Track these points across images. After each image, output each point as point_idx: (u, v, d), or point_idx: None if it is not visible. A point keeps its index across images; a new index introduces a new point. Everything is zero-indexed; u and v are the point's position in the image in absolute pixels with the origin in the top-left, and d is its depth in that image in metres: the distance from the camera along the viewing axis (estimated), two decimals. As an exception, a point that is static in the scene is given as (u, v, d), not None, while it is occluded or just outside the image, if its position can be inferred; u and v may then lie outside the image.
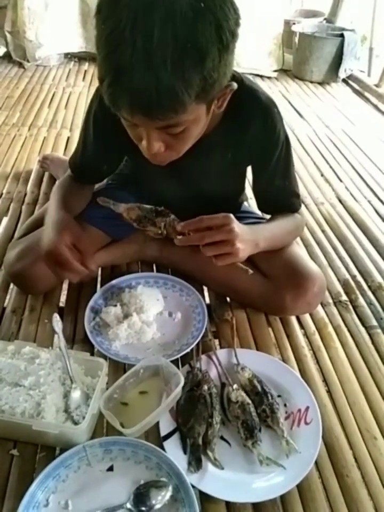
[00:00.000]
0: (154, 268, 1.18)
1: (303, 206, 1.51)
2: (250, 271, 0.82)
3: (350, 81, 2.79)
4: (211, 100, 0.68)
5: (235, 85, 0.71)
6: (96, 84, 2.52)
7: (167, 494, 0.69)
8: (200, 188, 1.00)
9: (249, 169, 1.01)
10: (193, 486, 0.71)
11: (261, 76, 2.78)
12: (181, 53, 0.56)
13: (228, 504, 0.73)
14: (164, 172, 0.88)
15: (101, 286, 1.09)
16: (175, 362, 0.90)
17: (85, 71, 2.68)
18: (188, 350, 0.93)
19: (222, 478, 0.75)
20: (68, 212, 0.91)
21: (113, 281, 1.08)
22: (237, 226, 0.78)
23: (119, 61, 0.57)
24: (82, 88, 2.41)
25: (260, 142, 0.88)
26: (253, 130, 0.85)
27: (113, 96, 0.62)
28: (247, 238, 0.81)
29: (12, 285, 1.09)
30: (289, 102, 2.44)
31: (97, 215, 1.02)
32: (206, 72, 0.59)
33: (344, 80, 2.80)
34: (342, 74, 2.73)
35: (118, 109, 0.65)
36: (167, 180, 0.98)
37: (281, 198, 0.99)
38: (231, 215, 0.78)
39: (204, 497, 0.72)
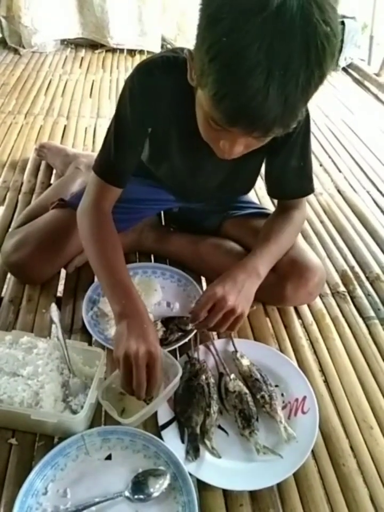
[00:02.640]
0: (152, 258, 1.18)
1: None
2: (255, 307, 0.93)
3: (350, 70, 2.76)
4: None
5: None
6: (92, 71, 2.47)
7: (165, 483, 0.70)
8: (215, 169, 0.97)
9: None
10: (190, 475, 0.72)
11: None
12: (308, 78, 0.56)
13: (225, 492, 0.74)
14: (185, 162, 0.88)
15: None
16: (173, 352, 0.90)
17: (82, 58, 2.64)
18: (186, 340, 0.93)
19: (219, 467, 0.75)
20: (126, 276, 0.86)
21: None
22: (225, 294, 0.81)
23: (252, 85, 0.55)
24: (79, 75, 2.39)
25: None
26: None
27: (236, 118, 0.60)
28: (242, 288, 0.84)
29: (9, 275, 1.09)
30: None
31: None
32: (318, 88, 0.61)
33: (344, 69, 2.77)
34: (342, 62, 2.71)
35: (231, 128, 0.63)
36: (183, 176, 0.97)
37: (294, 181, 0.95)
38: (212, 291, 0.82)
39: (202, 486, 0.73)
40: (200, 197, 1.07)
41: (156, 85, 0.81)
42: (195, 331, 0.92)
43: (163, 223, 1.24)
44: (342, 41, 2.58)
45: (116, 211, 1.06)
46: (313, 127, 2.02)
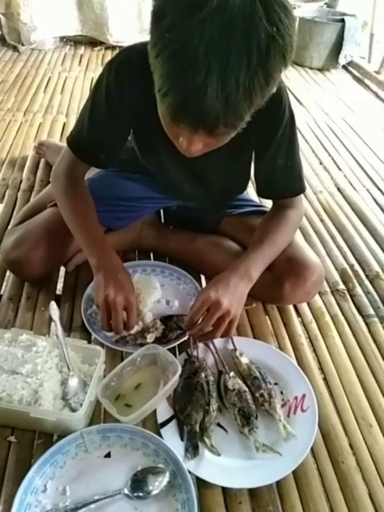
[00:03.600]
0: (152, 256, 1.18)
1: (302, 195, 1.52)
2: (254, 305, 0.96)
3: (350, 68, 2.76)
4: None
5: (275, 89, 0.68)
6: (91, 68, 2.47)
7: (164, 480, 0.70)
8: (205, 176, 0.98)
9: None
10: (190, 472, 0.72)
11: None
12: (251, 77, 0.56)
13: (224, 489, 0.74)
14: (171, 157, 0.88)
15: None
16: (172, 350, 0.90)
17: (81, 55, 2.64)
18: (185, 338, 0.93)
19: (218, 464, 0.76)
20: (100, 233, 0.94)
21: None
22: (219, 297, 0.82)
23: (191, 82, 0.56)
24: (78, 73, 2.38)
25: (264, 118, 0.83)
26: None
27: (177, 114, 0.61)
28: (235, 291, 0.85)
29: (8, 273, 1.09)
30: (289, 89, 2.40)
31: (97, 204, 1.01)
32: (268, 92, 0.61)
33: (344, 67, 2.77)
34: (342, 60, 2.70)
35: (177, 124, 0.64)
36: (173, 167, 0.96)
37: (282, 180, 0.95)
38: (206, 295, 0.83)
39: (201, 483, 0.74)
40: (194, 196, 1.07)
41: (132, 81, 0.80)
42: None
43: (162, 221, 1.24)
44: (342, 38, 2.58)
45: (115, 210, 1.07)
46: (313, 125, 2.03)
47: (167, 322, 0.95)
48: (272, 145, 0.89)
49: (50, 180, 0.98)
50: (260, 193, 1.03)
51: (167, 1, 0.58)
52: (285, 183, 0.96)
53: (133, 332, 0.91)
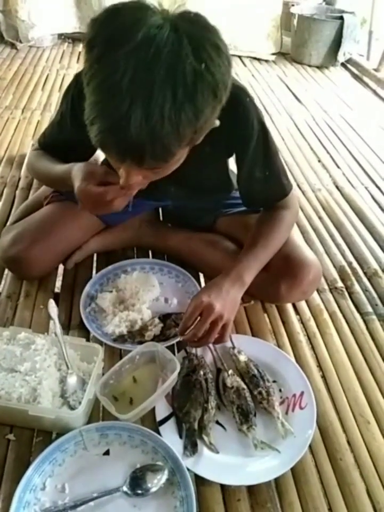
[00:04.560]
0: (150, 254, 1.18)
1: (299, 192, 1.52)
2: (252, 302, 0.98)
3: (348, 65, 2.76)
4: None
5: (217, 123, 0.70)
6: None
7: (163, 478, 0.71)
8: (184, 178, 0.98)
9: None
10: (188, 470, 0.73)
11: (259, 59, 2.74)
12: (178, 110, 0.56)
13: (222, 487, 0.74)
14: None
15: (97, 271, 1.09)
16: (171, 348, 0.90)
17: (79, 52, 2.63)
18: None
19: (217, 462, 0.76)
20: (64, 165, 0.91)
21: (109, 267, 1.08)
22: (211, 302, 0.82)
23: (115, 112, 0.56)
24: (76, 70, 2.35)
25: (233, 133, 0.85)
26: (225, 121, 0.80)
27: (104, 142, 0.61)
28: (227, 296, 0.85)
29: (6, 271, 1.09)
30: (287, 86, 2.41)
31: None
32: (198, 126, 0.61)
33: (342, 64, 2.77)
34: (341, 58, 2.70)
35: (106, 152, 0.65)
36: None
37: (263, 191, 0.95)
38: (198, 300, 0.83)
39: (199, 481, 0.74)
40: (183, 197, 1.07)
41: None
42: None
43: (161, 219, 1.24)
44: (341, 35, 2.57)
45: None
46: (311, 123, 2.03)
47: (166, 320, 0.95)
48: (246, 160, 0.89)
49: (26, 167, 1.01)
50: (247, 206, 1.03)
51: (98, 33, 0.59)
52: (266, 192, 0.96)
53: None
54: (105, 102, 0.57)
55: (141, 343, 0.89)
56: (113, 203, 0.78)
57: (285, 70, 2.64)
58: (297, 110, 2.14)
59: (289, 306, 1.07)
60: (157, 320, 0.94)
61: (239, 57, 2.74)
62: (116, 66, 0.55)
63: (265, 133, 0.88)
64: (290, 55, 2.82)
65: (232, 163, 1.04)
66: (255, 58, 2.74)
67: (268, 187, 0.95)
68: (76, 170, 0.83)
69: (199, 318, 0.83)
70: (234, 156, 0.93)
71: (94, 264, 1.13)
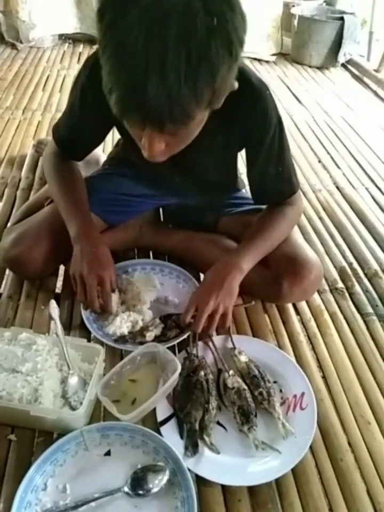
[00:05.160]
0: (151, 254, 1.18)
1: (300, 192, 1.52)
2: (253, 303, 0.99)
3: (349, 66, 2.76)
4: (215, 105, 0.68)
5: (236, 85, 0.70)
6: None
7: (164, 478, 0.71)
8: (193, 169, 0.99)
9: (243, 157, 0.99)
10: (189, 470, 0.73)
11: (259, 60, 2.75)
12: (194, 70, 0.56)
13: (223, 487, 0.74)
14: None
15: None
16: (171, 348, 0.90)
17: (80, 53, 2.63)
18: (184, 336, 0.93)
19: (218, 462, 0.76)
20: (83, 205, 0.97)
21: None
22: (205, 296, 0.86)
23: (132, 76, 0.56)
24: (77, 71, 2.37)
25: (250, 126, 0.86)
26: (243, 113, 0.84)
27: (124, 110, 0.61)
28: (223, 285, 0.88)
29: (7, 271, 1.09)
30: (288, 87, 2.41)
31: (93, 200, 1.02)
32: (216, 86, 0.60)
33: (343, 65, 2.77)
34: (341, 58, 2.70)
35: (126, 120, 0.65)
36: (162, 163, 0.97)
37: (274, 187, 0.97)
38: (194, 296, 0.89)
39: (200, 481, 0.74)
40: (186, 190, 1.08)
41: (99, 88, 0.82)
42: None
43: (162, 219, 1.24)
44: (341, 36, 2.57)
45: (113, 204, 1.07)
46: (312, 123, 2.03)
47: (166, 321, 0.95)
48: (261, 153, 0.89)
49: (42, 162, 1.05)
50: (256, 201, 1.04)
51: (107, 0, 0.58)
52: (277, 189, 0.97)
53: (113, 311, 0.94)
54: (121, 69, 0.57)
55: (141, 343, 0.89)
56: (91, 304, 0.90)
57: (286, 71, 2.64)
58: (297, 111, 2.14)
59: (289, 307, 1.07)
60: (157, 321, 0.95)
61: (240, 57, 2.74)
62: (128, 30, 0.54)
63: (282, 128, 0.89)
64: (290, 55, 2.82)
65: (241, 165, 1.05)
66: (255, 59, 2.74)
67: (279, 184, 0.96)
68: (86, 243, 0.92)
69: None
70: (244, 151, 0.94)
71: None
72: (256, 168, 0.94)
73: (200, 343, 0.93)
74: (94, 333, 0.93)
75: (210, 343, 0.93)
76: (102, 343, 0.90)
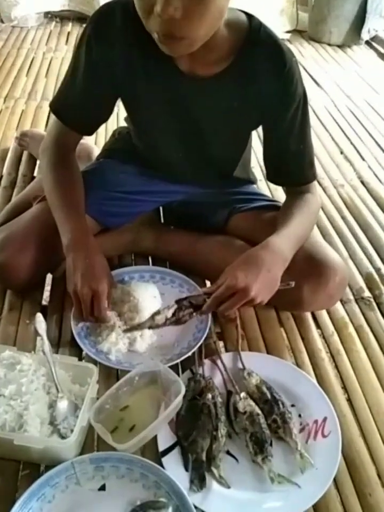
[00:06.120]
0: (150, 260, 1.19)
1: (319, 188, 1.53)
2: (292, 283, 0.92)
3: (374, 44, 2.76)
4: None
5: None
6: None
7: (166, 516, 0.71)
8: (201, 138, 1.00)
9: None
10: (196, 507, 0.72)
11: (272, 38, 2.76)
12: None
13: (235, 527, 0.74)
14: (164, 111, 0.94)
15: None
16: (174, 368, 0.91)
17: (68, 32, 2.66)
18: (189, 354, 0.93)
19: (228, 498, 0.76)
20: (79, 210, 0.98)
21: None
22: (248, 284, 0.84)
23: None
24: (65, 53, 2.40)
25: (273, 92, 0.89)
26: (267, 76, 0.88)
27: None
28: (267, 274, 0.87)
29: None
30: (304, 68, 2.42)
31: (87, 200, 1.02)
32: None
33: (367, 43, 2.77)
34: (365, 35, 2.71)
35: None
36: (167, 125, 0.99)
37: (294, 165, 1.00)
38: (234, 279, 0.85)
39: (208, 519, 0.74)
40: (191, 168, 1.09)
41: (116, 33, 0.87)
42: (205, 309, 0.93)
43: (162, 220, 1.24)
44: (365, 10, 2.58)
45: (110, 204, 1.08)
46: (332, 109, 2.03)
47: (182, 302, 0.96)
48: (283, 125, 0.93)
49: (39, 154, 1.05)
50: (270, 178, 1.07)
51: None
52: (297, 168, 1.01)
53: (109, 323, 0.96)
54: None
55: (151, 328, 0.95)
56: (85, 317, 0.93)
57: (302, 50, 2.65)
58: (315, 95, 2.15)
59: (309, 319, 1.07)
60: (172, 303, 0.96)
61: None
62: None
63: (306, 102, 0.93)
64: (307, 32, 2.83)
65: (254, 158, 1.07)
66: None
67: (301, 163, 1.00)
68: (78, 253, 0.93)
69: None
70: (261, 129, 0.98)
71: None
72: (275, 142, 0.97)
73: (207, 362, 0.93)
74: (86, 350, 0.94)
75: (218, 362, 0.93)
76: (95, 362, 0.90)
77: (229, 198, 1.15)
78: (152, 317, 0.96)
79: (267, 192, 1.42)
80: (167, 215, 1.25)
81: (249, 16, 0.88)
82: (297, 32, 2.85)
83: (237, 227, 1.12)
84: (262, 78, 0.88)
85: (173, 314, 0.95)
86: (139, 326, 0.95)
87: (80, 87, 0.94)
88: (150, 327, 0.95)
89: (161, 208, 1.24)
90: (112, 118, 1.11)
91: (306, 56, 2.58)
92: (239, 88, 0.89)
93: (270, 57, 0.87)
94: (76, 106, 0.98)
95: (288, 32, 2.81)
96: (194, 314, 0.94)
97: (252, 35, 0.85)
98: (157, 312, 0.96)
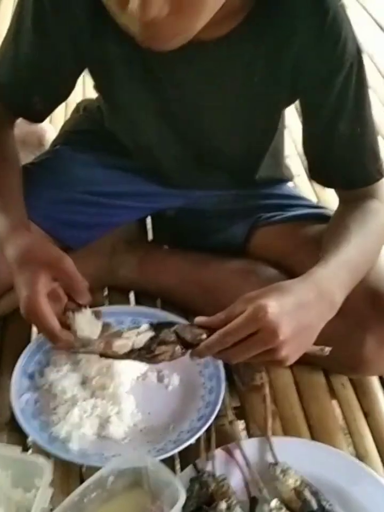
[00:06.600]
0: (132, 297, 1.20)
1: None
2: (327, 350, 0.88)
3: None
4: None
5: None
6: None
7: None
8: (201, 137, 1.03)
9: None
10: None
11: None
12: None
13: None
14: (146, 104, 0.95)
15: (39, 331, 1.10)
16: (169, 462, 0.91)
17: None
18: (192, 441, 0.93)
19: None
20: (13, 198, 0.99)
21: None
22: (278, 326, 0.79)
23: None
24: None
25: (310, 54, 0.90)
26: (300, 34, 0.88)
27: None
28: (306, 322, 0.83)
29: None
30: (363, 6, 2.46)
31: (38, 204, 1.04)
32: None
33: None
34: None
35: None
36: (151, 110, 1.01)
37: (348, 157, 0.99)
38: (261, 310, 0.79)
39: None
40: (191, 178, 1.12)
41: None
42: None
43: (150, 237, 1.25)
44: None
45: (70, 210, 1.09)
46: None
47: (161, 329, 0.90)
48: (328, 101, 0.93)
49: None
50: (315, 176, 1.07)
51: None
52: (352, 162, 1.00)
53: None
54: None
55: (108, 357, 0.89)
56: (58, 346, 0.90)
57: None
58: (380, 43, 2.19)
59: (375, 386, 1.08)
60: (145, 327, 0.90)
61: None
62: None
63: (361, 65, 0.93)
64: None
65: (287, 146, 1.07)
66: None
67: (355, 153, 0.99)
68: (17, 253, 0.91)
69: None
70: (298, 104, 0.99)
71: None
72: (319, 125, 0.97)
73: (219, 453, 0.93)
74: (32, 436, 0.94)
75: (237, 452, 0.93)
76: (47, 454, 0.90)
77: (251, 203, 1.17)
78: (109, 339, 0.90)
79: (310, 194, 1.43)
80: (157, 228, 1.26)
81: None
82: None
83: (263, 247, 1.14)
84: (292, 34, 0.88)
85: (147, 346, 0.89)
86: (84, 350, 0.91)
87: (25, 55, 0.96)
88: (101, 355, 0.89)
89: (149, 219, 1.25)
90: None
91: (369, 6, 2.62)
92: (258, 54, 0.89)
93: (302, 3, 0.86)
94: (18, 82, 1.00)
95: None
96: (181, 351, 0.88)
97: None
98: (118, 333, 0.91)
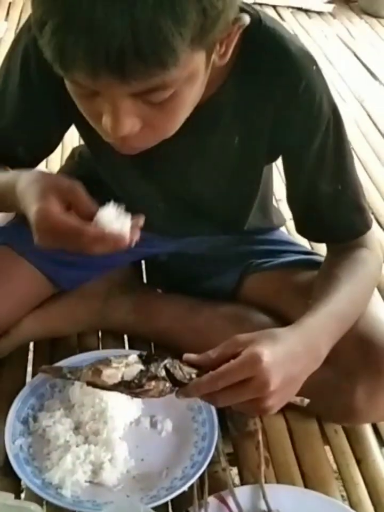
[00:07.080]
0: (126, 341, 1.20)
1: (378, 228, 1.54)
2: (306, 401, 0.89)
3: None
4: (212, 45, 0.72)
5: (247, 19, 0.75)
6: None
7: None
8: (186, 194, 1.04)
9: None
10: None
11: (307, 11, 2.86)
12: None
13: None
14: (129, 162, 0.95)
15: (33, 375, 1.11)
16: (163, 509, 0.90)
17: (10, 3, 2.76)
18: (185, 488, 0.93)
19: None
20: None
21: (56, 365, 1.08)
22: (270, 376, 0.80)
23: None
24: (4, 34, 2.50)
25: (288, 120, 0.91)
26: (277, 99, 0.89)
27: (62, 48, 0.65)
28: (291, 372, 0.83)
29: None
30: (354, 53, 2.51)
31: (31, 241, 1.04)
32: (205, 1, 0.64)
33: None
34: None
35: (69, 68, 0.69)
36: (134, 176, 1.02)
37: (332, 214, 1.01)
38: (257, 358, 0.79)
39: None
40: (178, 229, 1.13)
41: None
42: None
43: (144, 280, 1.26)
44: None
45: (65, 252, 1.10)
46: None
47: (150, 362, 0.89)
48: (307, 161, 0.94)
49: None
50: (302, 232, 1.09)
51: None
52: (338, 217, 1.01)
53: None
54: None
55: (96, 386, 0.87)
56: (92, 248, 0.83)
57: (350, 27, 2.76)
58: (370, 90, 2.22)
59: (367, 433, 1.07)
60: (134, 359, 0.89)
61: (274, 7, 2.86)
62: None
63: (338, 123, 0.94)
64: (358, 3, 2.95)
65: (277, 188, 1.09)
66: (300, 9, 2.86)
67: (339, 210, 1.00)
68: (27, 182, 0.88)
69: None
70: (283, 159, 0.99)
71: (30, 362, 1.15)
72: (301, 185, 0.99)
73: (212, 501, 0.92)
74: (27, 482, 0.93)
75: (230, 500, 0.93)
76: (40, 501, 0.90)
77: (243, 249, 1.18)
78: (98, 366, 0.88)
79: (302, 238, 1.44)
80: (151, 272, 1.26)
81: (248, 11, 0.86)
82: (344, 3, 2.96)
83: (254, 293, 1.15)
84: (271, 99, 0.89)
85: (137, 379, 0.87)
86: (72, 377, 0.92)
87: (10, 110, 0.98)
88: (88, 384, 0.88)
89: (143, 263, 1.26)
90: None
91: (357, 36, 2.67)
92: (238, 117, 0.90)
93: (279, 70, 0.88)
94: (2, 132, 1.01)
95: (330, 2, 2.91)
96: (169, 389, 0.87)
97: (252, 41, 0.86)
98: (106, 362, 0.88)
